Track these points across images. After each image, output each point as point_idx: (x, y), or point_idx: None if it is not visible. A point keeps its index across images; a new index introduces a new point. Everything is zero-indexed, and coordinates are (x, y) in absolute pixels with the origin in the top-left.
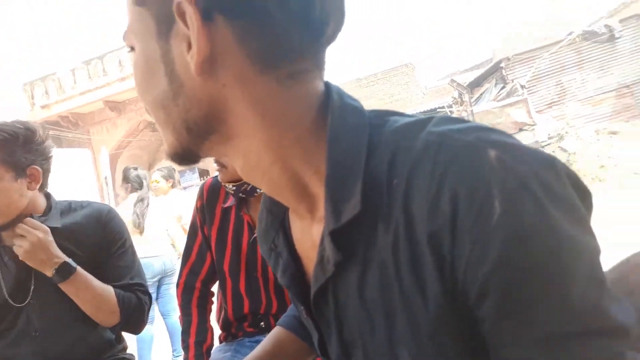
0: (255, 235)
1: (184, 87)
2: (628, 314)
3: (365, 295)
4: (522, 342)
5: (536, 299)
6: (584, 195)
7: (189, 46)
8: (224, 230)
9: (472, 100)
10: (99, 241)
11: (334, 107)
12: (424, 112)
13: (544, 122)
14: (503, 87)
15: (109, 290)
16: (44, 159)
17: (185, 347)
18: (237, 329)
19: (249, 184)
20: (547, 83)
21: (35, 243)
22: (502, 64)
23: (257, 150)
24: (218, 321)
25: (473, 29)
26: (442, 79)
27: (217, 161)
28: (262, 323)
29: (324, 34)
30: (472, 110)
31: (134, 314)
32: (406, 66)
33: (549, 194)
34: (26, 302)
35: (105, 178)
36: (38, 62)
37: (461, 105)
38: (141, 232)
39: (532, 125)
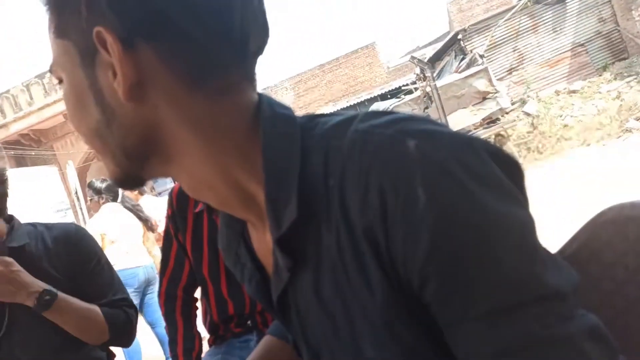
0: None
1: (116, 114)
2: (566, 279)
3: (322, 296)
4: (467, 320)
5: (472, 277)
6: (511, 167)
7: (114, 74)
8: (199, 236)
9: (435, 74)
10: (72, 263)
11: (264, 117)
12: (390, 91)
13: (505, 88)
14: (463, 59)
15: (94, 310)
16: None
17: (174, 357)
18: (224, 331)
19: None
20: (504, 50)
21: (3, 276)
22: (460, 36)
23: (198, 167)
24: (205, 325)
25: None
26: (404, 56)
27: None
28: (248, 322)
29: (246, 49)
30: (435, 85)
31: (123, 330)
32: (367, 47)
33: (470, 173)
34: (1, 333)
35: (76, 192)
36: None
37: (424, 80)
38: (154, 231)
39: (495, 93)
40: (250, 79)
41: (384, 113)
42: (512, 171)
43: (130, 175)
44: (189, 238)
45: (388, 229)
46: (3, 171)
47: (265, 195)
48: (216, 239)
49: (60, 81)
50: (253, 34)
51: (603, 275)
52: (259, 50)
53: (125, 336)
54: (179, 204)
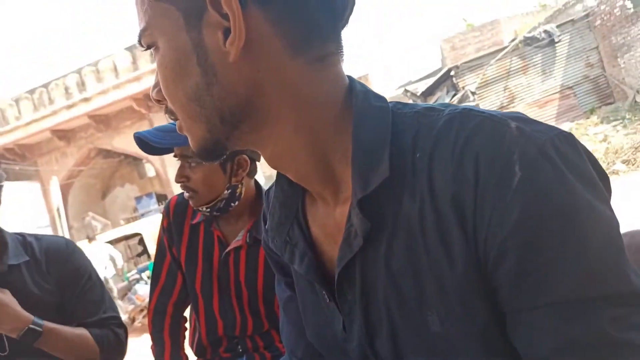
0: (227, 250)
1: (218, 77)
2: None
3: (392, 266)
4: (538, 306)
5: (553, 259)
6: (602, 177)
7: (223, 34)
8: (194, 248)
9: None
10: (62, 277)
11: (357, 90)
12: None
13: None
14: (455, 95)
15: (83, 335)
16: None
17: None
18: (212, 355)
19: (222, 201)
20: (495, 88)
21: None
22: (452, 72)
23: (288, 136)
24: (192, 346)
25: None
26: (397, 89)
27: (186, 187)
28: (239, 347)
29: (344, 17)
30: None
31: (113, 350)
32: (361, 79)
33: (567, 163)
34: (6, 352)
35: (58, 210)
36: None
37: None
38: None
39: None
40: (342, 50)
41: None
42: (604, 182)
43: (217, 142)
44: (184, 250)
45: (478, 199)
46: (2, 178)
47: (353, 158)
48: (211, 252)
49: (150, 47)
50: (349, 4)
51: None
52: (348, 19)
53: (116, 355)
54: (176, 214)
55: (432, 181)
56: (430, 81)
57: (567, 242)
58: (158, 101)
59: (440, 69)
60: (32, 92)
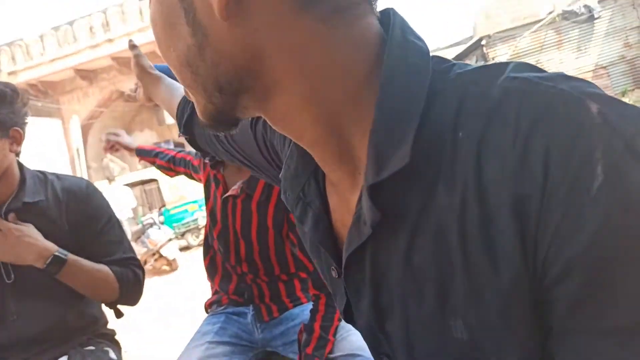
0: (225, 196)
1: (209, 38)
2: None
3: (413, 261)
4: (594, 330)
5: (624, 284)
6: None
7: None
8: (208, 186)
9: None
10: (81, 218)
11: (392, 43)
12: None
13: None
14: None
15: (104, 270)
16: (24, 123)
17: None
18: (221, 286)
19: None
20: (527, 61)
21: (14, 242)
22: (483, 42)
23: (296, 109)
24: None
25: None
26: None
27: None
28: (245, 293)
29: None
30: None
31: (132, 289)
32: None
33: None
34: (11, 280)
35: (77, 149)
36: (3, 27)
37: None
38: None
39: None
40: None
41: (542, 69)
42: None
43: (223, 112)
44: (203, 184)
45: (545, 203)
46: (28, 114)
47: (371, 132)
48: (216, 195)
49: None
50: None
51: None
52: None
53: (134, 295)
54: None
55: (482, 172)
56: (460, 49)
57: None
58: None
59: (471, 37)
60: (57, 29)
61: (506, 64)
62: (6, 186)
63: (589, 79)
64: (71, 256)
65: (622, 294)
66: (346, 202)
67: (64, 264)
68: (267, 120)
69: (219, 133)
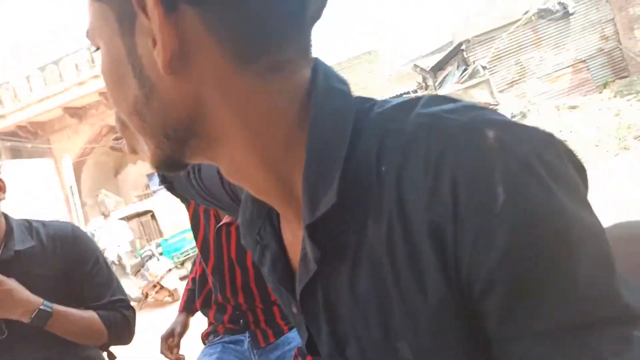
0: (218, 225)
1: (155, 89)
2: (638, 300)
3: (357, 290)
4: (529, 335)
5: (544, 289)
6: (581, 172)
7: (154, 42)
8: (197, 218)
9: (437, 84)
10: (68, 262)
11: (318, 91)
12: (391, 98)
13: (506, 101)
14: (465, 69)
15: (91, 317)
16: None
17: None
18: (216, 319)
19: None
20: (507, 63)
21: (1, 297)
22: (463, 47)
23: (240, 153)
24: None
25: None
26: (406, 64)
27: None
28: (240, 321)
29: (304, 13)
30: (436, 94)
31: (122, 331)
32: (369, 54)
33: (553, 174)
34: (4, 335)
35: (71, 187)
36: None
37: (426, 89)
38: None
39: (496, 105)
40: (306, 54)
41: (449, 99)
42: (582, 176)
43: (171, 158)
44: (190, 215)
45: (458, 226)
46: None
47: (303, 177)
48: (207, 225)
49: (98, 48)
50: (316, 3)
51: None
52: (318, 11)
53: (124, 336)
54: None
55: (403, 203)
56: (441, 55)
57: (559, 268)
58: None
59: (451, 43)
60: (43, 69)
61: (418, 99)
62: None
63: (569, 74)
64: (57, 307)
65: (542, 299)
66: (297, 238)
67: (50, 316)
68: (220, 168)
69: (168, 174)
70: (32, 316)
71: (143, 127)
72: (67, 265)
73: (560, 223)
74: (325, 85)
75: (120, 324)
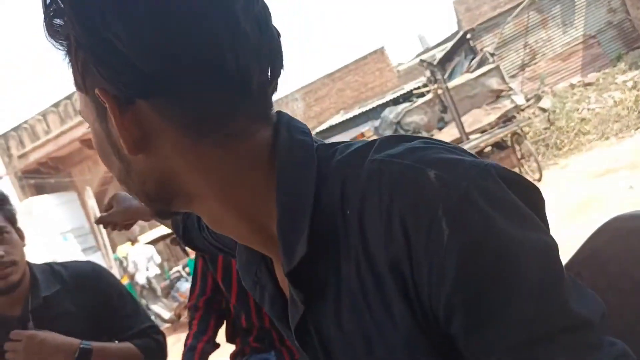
0: None
1: (131, 165)
2: (592, 306)
3: (342, 325)
4: (493, 352)
5: (497, 309)
6: (529, 193)
7: None
8: (228, 270)
9: (446, 76)
10: (94, 301)
11: (281, 147)
12: (402, 95)
13: (519, 85)
14: (473, 58)
15: (127, 347)
16: None
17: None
18: (242, 343)
19: None
20: (515, 47)
21: (38, 349)
22: (468, 35)
23: (217, 208)
24: (226, 333)
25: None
26: (414, 59)
27: None
28: (265, 339)
29: (249, 87)
30: (447, 87)
31: (157, 356)
32: (376, 53)
33: (492, 202)
34: None
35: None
36: (6, 114)
37: (435, 83)
38: None
39: (509, 90)
40: (263, 117)
41: (400, 139)
42: (531, 197)
43: (160, 211)
44: (220, 270)
45: (413, 263)
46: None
47: (277, 230)
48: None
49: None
50: (255, 71)
51: (609, 287)
52: (270, 81)
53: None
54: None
55: (367, 242)
56: (448, 46)
57: (506, 289)
58: None
59: (456, 33)
60: (57, 105)
61: (372, 143)
62: (24, 284)
63: (581, 51)
64: (95, 344)
65: (496, 318)
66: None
67: (91, 353)
68: (203, 219)
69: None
70: (76, 357)
71: (130, 191)
72: (94, 302)
73: (501, 247)
74: (288, 141)
75: (155, 349)
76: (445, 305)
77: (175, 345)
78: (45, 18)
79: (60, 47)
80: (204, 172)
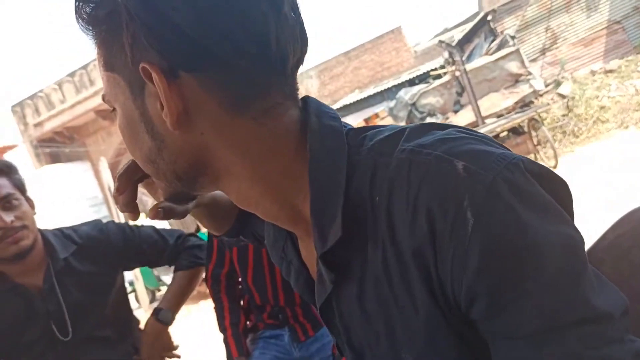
0: None
1: (165, 142)
2: (614, 301)
3: (365, 307)
4: (513, 338)
5: (518, 298)
6: (557, 187)
7: (162, 105)
8: (245, 251)
9: (464, 57)
10: (114, 250)
11: (312, 131)
12: (418, 76)
13: (539, 70)
14: (493, 40)
15: (180, 276)
16: None
17: (223, 330)
18: (256, 319)
19: None
20: (536, 30)
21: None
22: (489, 17)
23: (245, 186)
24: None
25: None
26: (432, 39)
27: None
28: (279, 315)
29: (286, 66)
30: (465, 69)
31: (200, 258)
32: (393, 32)
33: (518, 195)
34: (68, 338)
35: (109, 187)
36: (23, 82)
37: (453, 64)
38: None
39: (528, 75)
40: (293, 95)
41: (430, 128)
42: (559, 191)
43: (181, 193)
44: (235, 250)
45: (437, 251)
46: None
47: (310, 214)
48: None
49: (114, 109)
50: (291, 51)
51: (632, 274)
52: (298, 61)
53: (202, 260)
54: None
55: (394, 229)
56: (467, 28)
57: (528, 280)
58: None
59: (477, 14)
60: (72, 75)
61: (402, 131)
62: (37, 250)
63: (604, 37)
64: (165, 304)
65: (517, 307)
66: (311, 253)
67: (170, 313)
68: (229, 197)
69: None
70: (159, 319)
71: (157, 172)
72: (115, 252)
73: (525, 239)
74: (318, 126)
75: (196, 254)
76: (467, 292)
77: (186, 317)
78: None
79: (90, 28)
80: (238, 148)
